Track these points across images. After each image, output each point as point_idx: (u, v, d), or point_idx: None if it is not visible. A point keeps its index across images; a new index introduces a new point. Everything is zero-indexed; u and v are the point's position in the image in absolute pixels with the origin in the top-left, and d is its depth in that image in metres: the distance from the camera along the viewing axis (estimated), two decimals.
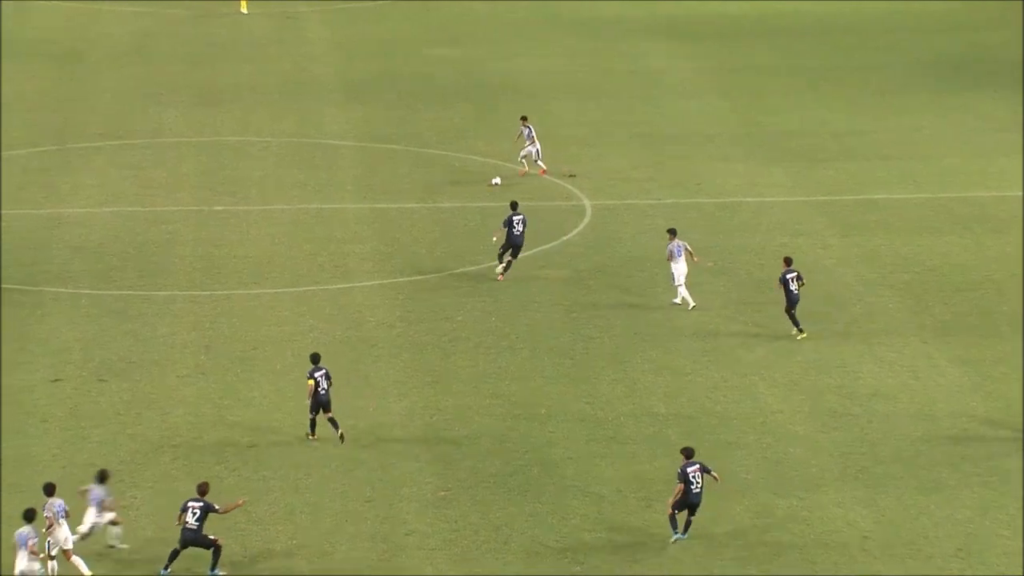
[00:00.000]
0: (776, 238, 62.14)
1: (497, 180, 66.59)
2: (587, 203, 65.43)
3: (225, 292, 57.01)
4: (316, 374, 45.57)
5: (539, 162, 66.60)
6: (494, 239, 57.19)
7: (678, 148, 72.55)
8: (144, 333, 53.49)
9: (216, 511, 38.76)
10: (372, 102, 78.93)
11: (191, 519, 38.56)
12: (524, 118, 67.10)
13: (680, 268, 54.97)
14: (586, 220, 63.66)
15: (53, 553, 38.20)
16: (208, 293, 56.88)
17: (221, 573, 38.64)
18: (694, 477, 40.42)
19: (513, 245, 56.49)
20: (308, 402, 45.65)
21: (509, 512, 42.32)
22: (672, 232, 55.68)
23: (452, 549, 40.80)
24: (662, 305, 54.83)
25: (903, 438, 46.65)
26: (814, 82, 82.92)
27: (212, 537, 38.67)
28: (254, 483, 43.91)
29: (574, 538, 41.12)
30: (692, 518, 40.74)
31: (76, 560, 38.36)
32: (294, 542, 40.62)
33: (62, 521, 38.43)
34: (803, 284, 52.98)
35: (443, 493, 43.13)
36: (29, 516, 37.86)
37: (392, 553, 40.34)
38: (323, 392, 45.58)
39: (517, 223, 56.21)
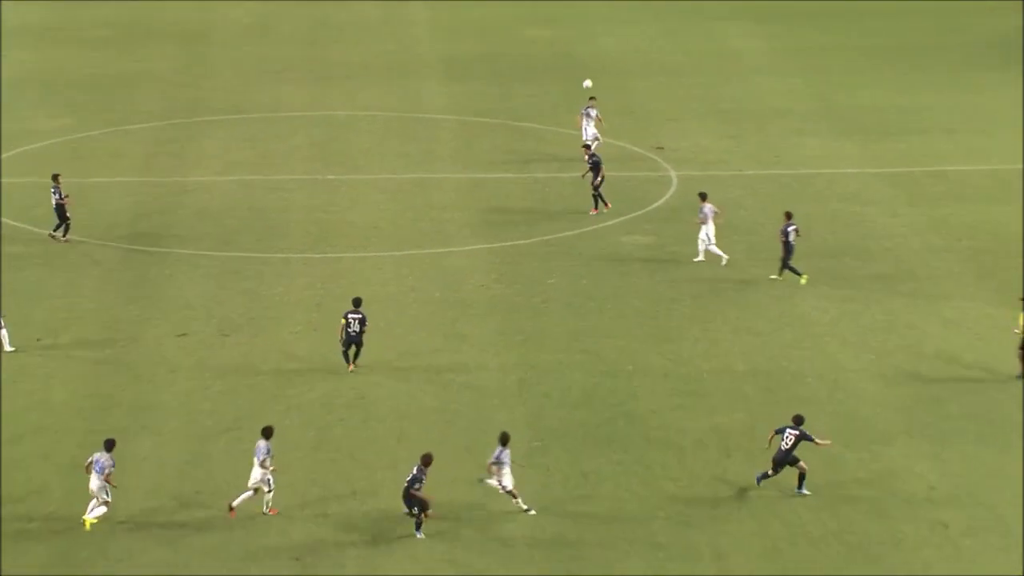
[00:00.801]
0: (848, 207, 61.95)
1: (588, 83, 67.01)
2: (673, 174, 65.28)
3: (335, 255, 57.18)
4: (349, 315, 47.07)
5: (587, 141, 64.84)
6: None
7: (756, 123, 72.40)
8: (261, 292, 53.79)
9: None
10: (470, 80, 79.01)
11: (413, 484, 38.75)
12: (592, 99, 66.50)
13: (710, 229, 55.20)
14: (672, 190, 63.48)
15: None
16: (319, 256, 57.09)
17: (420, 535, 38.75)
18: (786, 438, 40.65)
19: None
20: (340, 337, 46.99)
21: (597, 461, 42.29)
22: (703, 196, 55.99)
23: (544, 495, 40.75)
24: (743, 270, 54.50)
25: (967, 396, 46.28)
26: (882, 60, 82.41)
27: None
28: (362, 432, 44.04)
29: (656, 486, 41.01)
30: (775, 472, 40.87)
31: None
32: (398, 486, 40.58)
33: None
34: (800, 236, 53.63)
35: (536, 444, 42.98)
36: (108, 446, 38.98)
37: (489, 498, 40.28)
38: (354, 333, 46.90)
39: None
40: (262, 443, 39.88)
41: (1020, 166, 66.25)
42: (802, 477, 40.46)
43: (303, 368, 47.44)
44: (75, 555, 37.83)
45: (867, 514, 39.85)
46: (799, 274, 53.72)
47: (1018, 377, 46.90)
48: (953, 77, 79.43)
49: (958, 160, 67.44)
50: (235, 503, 39.51)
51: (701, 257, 55.57)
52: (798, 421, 40.56)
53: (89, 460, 38.80)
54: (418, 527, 38.45)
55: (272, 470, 39.72)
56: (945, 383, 46.94)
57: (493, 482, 39.60)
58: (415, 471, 38.68)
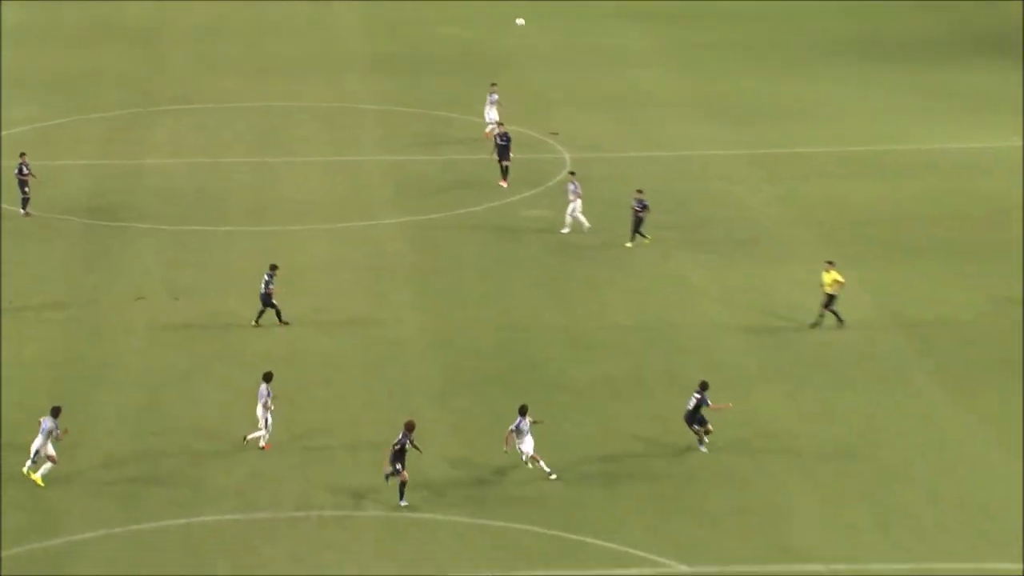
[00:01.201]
0: (718, 184, 62.38)
1: (521, 21, 66.39)
2: (566, 156, 65.46)
3: (274, 228, 57.24)
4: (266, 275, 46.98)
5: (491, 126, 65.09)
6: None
7: (639, 111, 72.45)
8: (209, 261, 53.88)
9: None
10: (390, 73, 78.56)
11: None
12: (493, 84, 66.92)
13: (577, 203, 55.33)
14: (566, 169, 63.72)
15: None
16: (260, 229, 57.10)
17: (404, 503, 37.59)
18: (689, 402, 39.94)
19: None
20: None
21: (503, 404, 42.68)
22: (572, 173, 56.62)
23: (459, 434, 41.24)
24: (625, 238, 54.84)
25: (818, 345, 47.06)
26: (751, 56, 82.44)
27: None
28: (296, 380, 44.29)
29: (557, 427, 41.40)
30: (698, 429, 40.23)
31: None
32: (325, 423, 40.98)
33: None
34: (648, 210, 54.07)
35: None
36: (55, 412, 38.28)
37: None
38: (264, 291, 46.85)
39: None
40: (263, 387, 40.13)
41: (863, 148, 67.04)
42: (707, 433, 39.96)
43: (245, 327, 47.62)
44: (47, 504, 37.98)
45: (736, 449, 40.55)
46: (645, 236, 54.20)
47: (811, 325, 47.64)
48: (809, 70, 79.61)
49: (810, 143, 67.98)
50: (249, 437, 40.10)
51: (567, 229, 55.55)
52: (703, 387, 39.84)
53: (39, 421, 38.16)
54: (401, 495, 37.36)
55: (271, 410, 39.96)
56: (800, 334, 47.68)
57: (521, 447, 38.73)
58: (400, 436, 37.38)
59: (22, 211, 56.91)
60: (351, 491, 38.26)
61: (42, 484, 37.60)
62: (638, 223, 54.16)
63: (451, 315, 49.36)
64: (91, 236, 55.98)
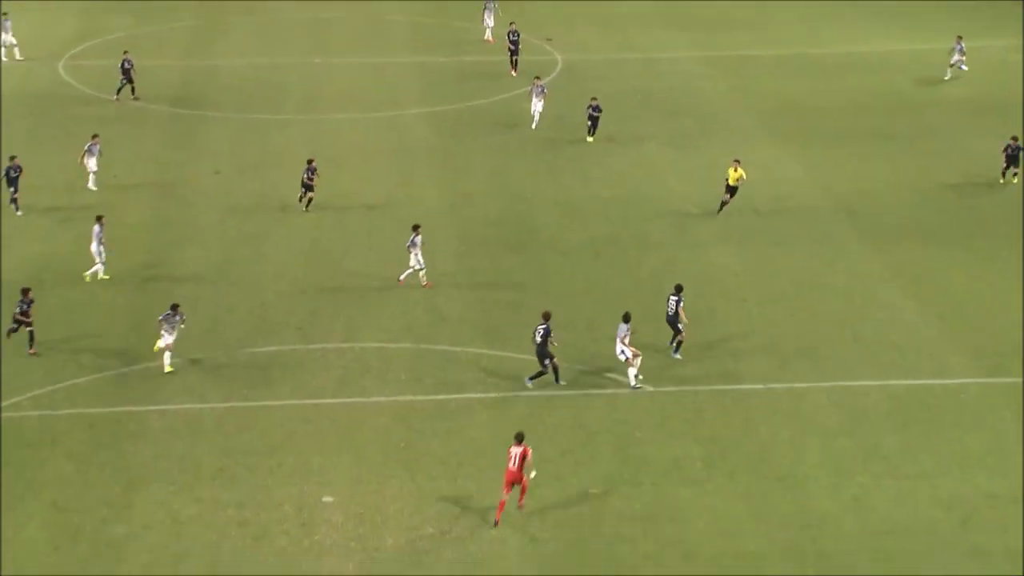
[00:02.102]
0: (685, 81, 62.16)
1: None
2: (559, 58, 65.27)
3: (320, 117, 57.28)
4: (306, 171, 45.84)
5: (488, 36, 65.45)
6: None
7: (618, 23, 71.93)
8: (271, 144, 53.96)
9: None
10: None
11: (538, 338, 34.59)
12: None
13: (537, 106, 54.11)
14: (558, 68, 63.67)
15: None
16: (309, 117, 57.17)
17: (563, 382, 35.35)
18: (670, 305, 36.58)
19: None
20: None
21: (509, 261, 43.15)
22: (537, 78, 55.19)
23: (472, 285, 41.59)
24: (607, 126, 54.60)
25: (759, 211, 47.25)
26: None
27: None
28: (340, 240, 44.50)
29: (547, 278, 41.65)
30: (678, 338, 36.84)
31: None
32: (366, 274, 41.23)
33: None
34: (601, 112, 53.00)
35: (464, 249, 43.22)
36: (174, 308, 35.70)
37: (436, 284, 41.18)
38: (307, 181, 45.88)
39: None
40: (418, 238, 40.36)
41: (802, 51, 66.73)
42: (679, 343, 36.73)
43: (295, 197, 47.89)
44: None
45: (692, 295, 40.78)
46: (592, 134, 52.97)
47: (717, 211, 46.43)
48: None
49: (758, 48, 67.62)
50: (402, 277, 40.58)
51: (534, 126, 54.48)
52: (678, 289, 36.78)
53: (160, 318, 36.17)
54: (557, 377, 35.04)
55: (419, 257, 40.32)
56: (743, 201, 47.49)
57: (626, 353, 35.34)
58: (542, 328, 34.56)
59: (115, 98, 57.15)
60: (386, 328, 38.75)
61: (170, 370, 35.86)
62: (594, 123, 53.15)
63: (464, 189, 49.38)
64: (176, 122, 56.03)
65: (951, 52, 61.80)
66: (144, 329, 38.04)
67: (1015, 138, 49.68)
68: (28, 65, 62.27)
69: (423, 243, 40.77)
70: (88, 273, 41.15)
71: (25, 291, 36.41)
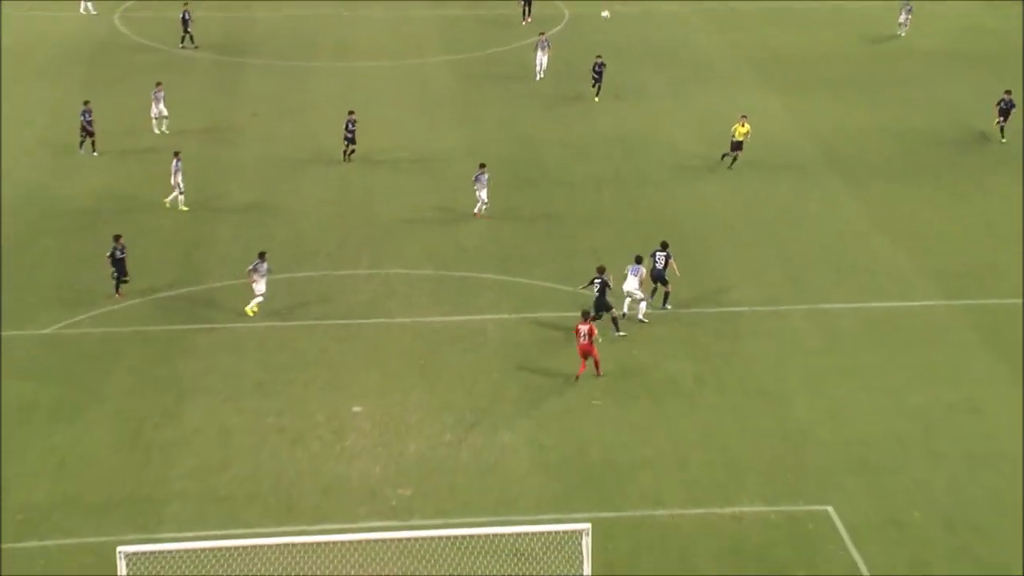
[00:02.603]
0: (684, 34, 61.54)
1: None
2: (565, 12, 64.65)
3: (351, 64, 56.96)
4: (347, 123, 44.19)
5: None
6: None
7: None
8: (307, 89, 53.68)
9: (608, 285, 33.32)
10: None
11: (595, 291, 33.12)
12: None
13: (542, 59, 52.98)
14: (564, 21, 63.17)
15: None
16: (341, 65, 56.86)
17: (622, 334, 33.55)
18: (658, 260, 34.71)
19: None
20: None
21: (520, 196, 43.06)
22: (542, 33, 53.98)
23: (487, 215, 41.46)
24: (611, 75, 53.85)
25: (754, 148, 46.60)
26: None
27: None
28: (370, 178, 44.40)
29: (554, 208, 41.47)
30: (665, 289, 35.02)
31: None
32: (392, 210, 41.18)
33: None
34: (605, 68, 51.21)
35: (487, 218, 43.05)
36: (262, 256, 34.55)
37: (456, 218, 41.11)
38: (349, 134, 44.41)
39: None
40: (484, 175, 39.73)
41: (790, 4, 66.03)
42: (667, 295, 35.04)
43: (333, 135, 47.58)
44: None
45: (685, 222, 40.88)
46: (598, 93, 51.56)
47: (729, 165, 44.89)
48: None
49: (749, 1, 66.93)
50: (476, 211, 40.08)
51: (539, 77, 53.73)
52: (665, 246, 34.97)
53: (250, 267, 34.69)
54: (616, 327, 33.62)
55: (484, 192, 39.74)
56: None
57: (639, 295, 34.13)
58: (598, 281, 33.16)
59: (180, 45, 57.01)
60: (409, 256, 38.79)
61: (252, 313, 34.64)
62: (599, 79, 51.42)
63: (481, 131, 49.16)
64: (219, 69, 55.77)
65: (900, 11, 61.15)
66: (192, 256, 38.24)
67: (1008, 92, 48.68)
68: (88, 16, 61.97)
69: (489, 179, 40.24)
70: (168, 200, 41.17)
71: (117, 237, 35.31)
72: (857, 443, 29.55)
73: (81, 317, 34.85)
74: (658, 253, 34.91)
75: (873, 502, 27.23)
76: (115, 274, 35.00)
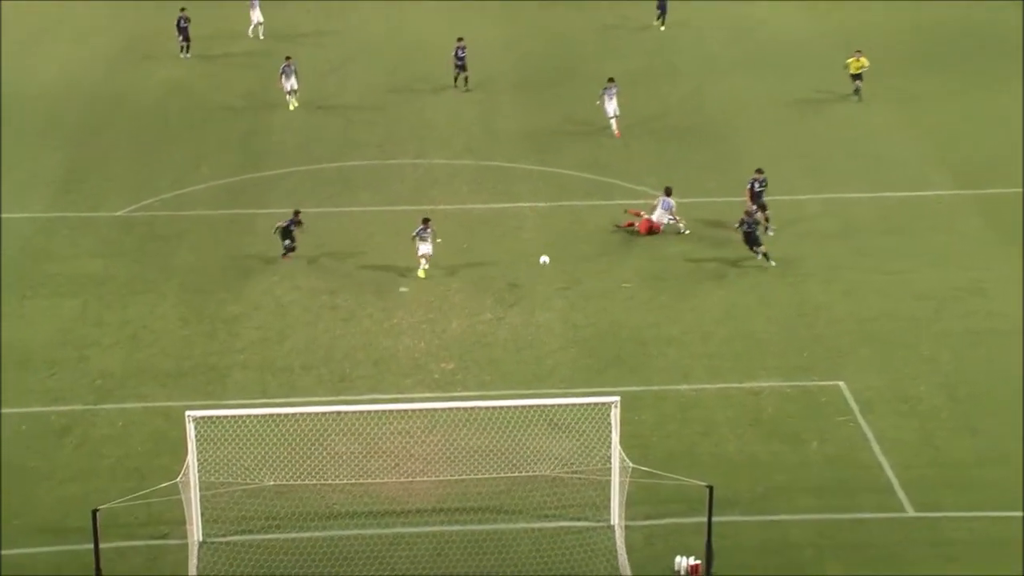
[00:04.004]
0: None
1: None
2: None
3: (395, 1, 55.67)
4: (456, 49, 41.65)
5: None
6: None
7: None
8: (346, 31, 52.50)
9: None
10: None
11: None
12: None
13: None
14: None
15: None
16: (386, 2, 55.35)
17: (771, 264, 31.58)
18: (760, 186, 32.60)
19: None
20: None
21: (555, 92, 42.23)
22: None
23: (524, 108, 40.89)
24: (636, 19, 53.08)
25: (783, 49, 45.89)
26: None
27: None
28: (413, 73, 43.95)
29: (591, 103, 40.89)
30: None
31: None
32: (435, 107, 40.77)
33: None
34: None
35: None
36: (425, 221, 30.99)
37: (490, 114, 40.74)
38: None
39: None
40: (613, 88, 38.17)
41: None
42: (767, 219, 32.57)
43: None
44: None
45: (712, 117, 40.42)
46: (662, 19, 49.07)
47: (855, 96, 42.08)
48: None
49: None
50: (614, 129, 38.57)
51: None
52: (760, 171, 32.69)
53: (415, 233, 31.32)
54: (768, 258, 31.47)
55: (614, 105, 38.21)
56: (751, 38, 46.35)
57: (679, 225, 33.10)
58: (748, 218, 31.30)
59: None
60: (450, 146, 38.61)
61: (424, 275, 31.51)
62: (663, 11, 48.70)
63: (520, 31, 48.39)
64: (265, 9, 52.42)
65: None
66: (249, 146, 38.25)
67: None
68: None
69: (618, 92, 38.92)
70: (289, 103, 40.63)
71: (296, 212, 32.39)
72: (869, 321, 29.45)
73: (150, 200, 35.08)
74: (755, 178, 32.72)
75: (882, 377, 27.22)
76: (285, 242, 32.05)
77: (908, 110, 41.17)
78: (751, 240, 31.64)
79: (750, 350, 28.25)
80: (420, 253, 31.05)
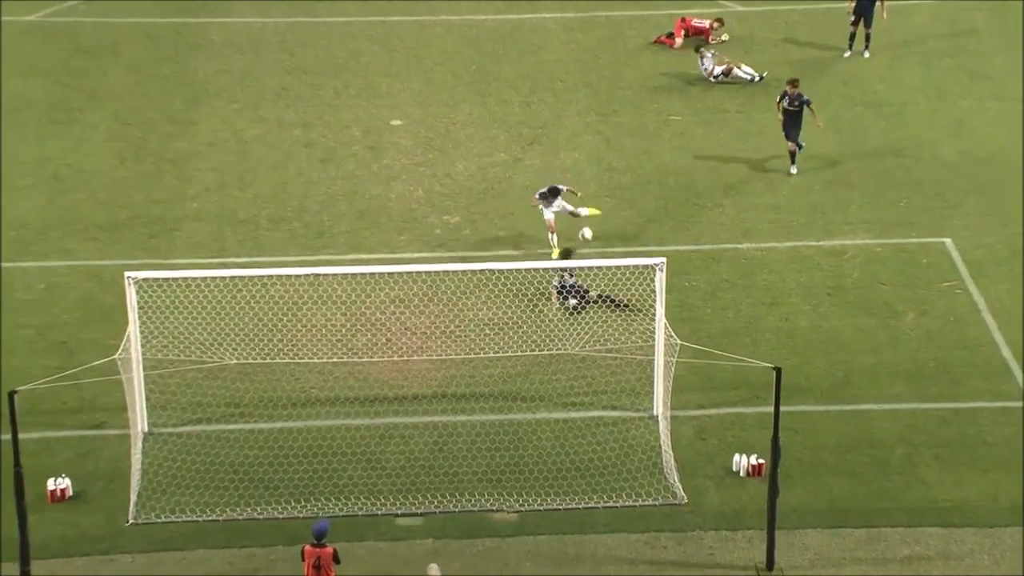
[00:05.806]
0: None
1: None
2: None
3: None
4: None
5: None
6: None
7: None
8: None
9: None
10: None
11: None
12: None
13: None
14: None
15: None
16: None
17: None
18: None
19: None
20: None
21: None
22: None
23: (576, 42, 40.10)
24: None
25: None
26: None
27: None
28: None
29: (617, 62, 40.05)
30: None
31: None
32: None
33: None
34: None
35: None
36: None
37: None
38: None
39: None
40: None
41: None
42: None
43: None
44: None
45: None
46: None
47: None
48: None
49: None
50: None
51: None
52: (794, 83, 28.93)
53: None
54: (793, 161, 29.03)
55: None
56: None
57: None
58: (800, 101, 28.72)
59: None
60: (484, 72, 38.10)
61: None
62: None
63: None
64: None
65: None
66: None
67: None
68: None
69: None
70: None
71: None
72: (984, 163, 29.10)
73: (74, 1, 34.78)
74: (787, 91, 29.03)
75: (998, 233, 27.03)
76: None
77: None
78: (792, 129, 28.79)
79: (830, 199, 28.05)
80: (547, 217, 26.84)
